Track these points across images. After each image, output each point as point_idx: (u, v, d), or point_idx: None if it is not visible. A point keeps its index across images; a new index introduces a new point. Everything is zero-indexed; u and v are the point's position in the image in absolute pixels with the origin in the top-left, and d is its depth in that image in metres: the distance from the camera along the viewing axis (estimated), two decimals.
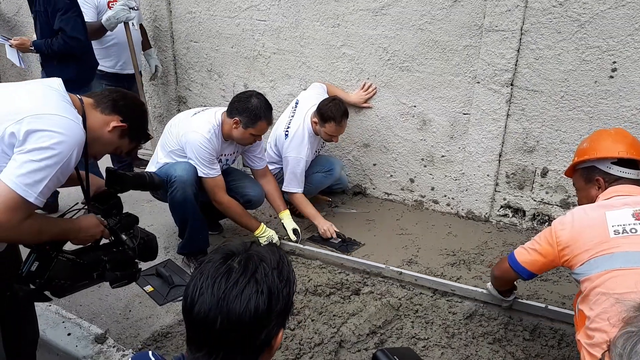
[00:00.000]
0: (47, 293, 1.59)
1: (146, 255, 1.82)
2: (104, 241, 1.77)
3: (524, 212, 3.16)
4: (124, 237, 1.73)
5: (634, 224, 1.58)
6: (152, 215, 3.35)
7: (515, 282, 2.23)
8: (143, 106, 1.82)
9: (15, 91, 1.52)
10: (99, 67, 3.55)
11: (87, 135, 1.59)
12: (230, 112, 2.70)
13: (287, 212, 3.07)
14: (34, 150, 1.37)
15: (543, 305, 2.33)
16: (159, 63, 4.07)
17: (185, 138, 2.66)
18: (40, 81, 1.61)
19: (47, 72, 3.18)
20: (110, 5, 3.47)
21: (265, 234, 2.87)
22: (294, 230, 2.99)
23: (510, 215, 3.21)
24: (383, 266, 2.67)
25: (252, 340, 0.92)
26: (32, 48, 3.20)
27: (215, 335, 0.91)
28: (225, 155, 2.88)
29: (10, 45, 3.41)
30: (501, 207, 3.23)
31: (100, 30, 3.47)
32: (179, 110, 4.38)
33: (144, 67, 4.06)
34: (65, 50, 3.10)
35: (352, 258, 2.79)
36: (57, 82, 1.60)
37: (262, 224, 2.88)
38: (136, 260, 1.78)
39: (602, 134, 1.89)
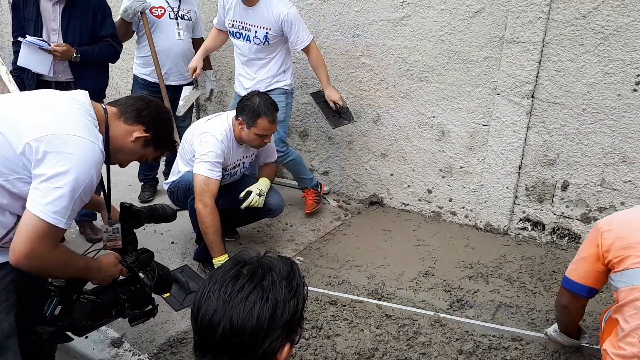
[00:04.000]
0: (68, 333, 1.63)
1: (162, 288, 1.85)
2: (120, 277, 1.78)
3: (544, 225, 3.11)
4: (141, 275, 1.75)
5: None
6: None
7: (581, 324, 2.00)
8: (168, 114, 1.81)
9: (40, 102, 1.52)
10: (142, 77, 3.55)
11: (111, 144, 1.61)
12: (236, 113, 2.72)
13: (266, 180, 2.90)
14: (54, 177, 1.39)
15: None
16: (215, 86, 3.94)
17: (198, 139, 2.67)
18: (68, 95, 1.60)
19: (83, 82, 2.96)
20: (152, 10, 3.38)
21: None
22: (248, 192, 2.76)
23: (530, 228, 3.17)
24: (431, 313, 2.39)
25: (254, 349, 0.91)
26: (77, 56, 2.90)
27: (218, 340, 0.90)
28: (239, 160, 2.86)
29: (50, 51, 2.87)
30: (520, 220, 3.18)
31: (126, 29, 3.38)
32: (198, 117, 4.43)
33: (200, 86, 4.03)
34: (115, 56, 3.11)
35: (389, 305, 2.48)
36: (83, 95, 1.60)
37: (226, 254, 2.54)
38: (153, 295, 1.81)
39: None
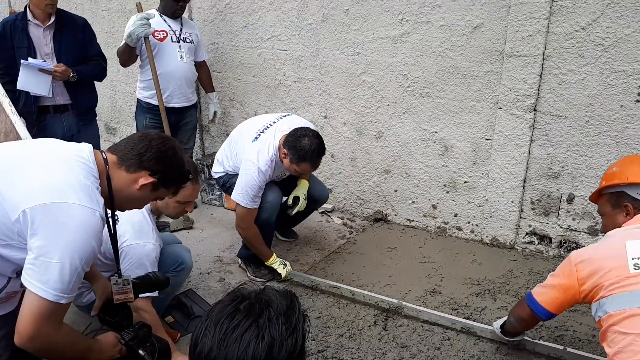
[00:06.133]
0: None
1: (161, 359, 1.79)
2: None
3: (550, 239, 3.07)
4: (141, 352, 1.68)
5: None
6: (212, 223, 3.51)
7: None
8: (173, 150, 1.63)
9: (43, 159, 1.44)
10: (145, 100, 3.57)
11: (116, 197, 1.54)
12: (284, 143, 2.74)
13: (305, 182, 3.05)
14: (52, 251, 1.32)
15: (561, 348, 2.19)
16: (218, 108, 3.96)
17: (243, 165, 2.78)
18: (72, 151, 1.50)
19: (79, 103, 3.19)
20: (155, 34, 3.40)
21: (278, 260, 2.92)
22: (296, 198, 3.01)
23: (536, 242, 3.13)
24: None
25: None
26: (73, 75, 3.04)
27: None
28: (284, 173, 2.96)
29: (51, 72, 2.97)
30: (526, 234, 3.15)
31: (130, 54, 3.41)
32: (201, 139, 4.45)
33: (204, 108, 4.13)
34: (104, 74, 3.27)
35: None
36: (87, 151, 1.51)
37: (274, 254, 2.93)
38: None
39: (632, 159, 1.83)
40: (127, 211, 2.02)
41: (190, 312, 2.56)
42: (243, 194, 2.74)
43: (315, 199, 3.14)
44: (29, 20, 3.01)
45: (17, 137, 2.36)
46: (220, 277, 2.98)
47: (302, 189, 3.03)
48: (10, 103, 2.55)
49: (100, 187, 1.48)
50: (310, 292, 2.77)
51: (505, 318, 2.17)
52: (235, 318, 0.91)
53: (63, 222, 1.33)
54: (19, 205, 1.33)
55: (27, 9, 3.02)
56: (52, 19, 3.03)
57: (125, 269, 2.04)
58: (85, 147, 1.53)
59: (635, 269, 1.53)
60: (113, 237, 1.70)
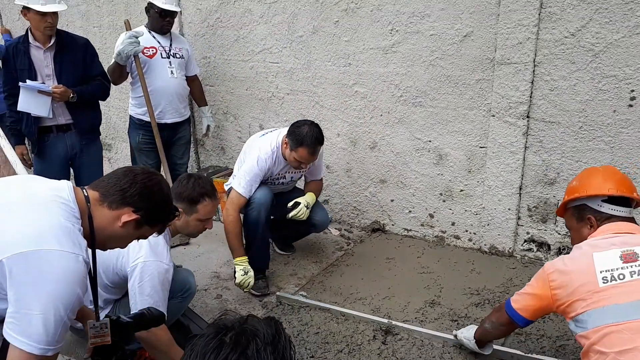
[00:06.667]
0: None
1: None
2: None
3: (549, 246, 3.06)
4: None
5: (622, 269, 1.55)
6: (208, 238, 3.43)
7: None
8: (159, 185, 1.56)
9: (21, 203, 1.38)
10: (137, 117, 3.56)
11: (97, 235, 1.48)
12: (286, 133, 2.89)
13: (312, 195, 3.08)
14: (33, 303, 1.26)
15: (522, 354, 2.21)
16: (211, 122, 3.94)
17: (248, 155, 2.96)
18: (51, 191, 1.43)
19: (81, 122, 3.21)
20: (144, 51, 3.39)
21: (244, 265, 2.79)
22: (296, 203, 2.99)
23: (535, 249, 3.11)
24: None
25: None
26: (73, 96, 3.05)
27: None
28: (286, 173, 3.06)
29: (49, 93, 2.99)
30: (525, 241, 3.13)
31: (120, 72, 3.40)
32: (196, 153, 4.44)
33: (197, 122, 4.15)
34: (107, 93, 3.30)
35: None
36: (66, 190, 1.44)
37: (245, 257, 2.82)
38: None
39: (591, 171, 1.87)
40: None
41: (188, 331, 2.53)
42: (239, 177, 2.91)
43: (314, 224, 3.11)
44: (30, 42, 3.06)
45: (5, 160, 2.36)
46: (217, 294, 2.95)
47: (306, 197, 3.04)
48: None
49: (82, 228, 1.43)
50: (308, 307, 2.75)
51: (471, 327, 2.21)
52: (222, 352, 0.89)
53: (43, 271, 1.27)
54: None
55: (29, 31, 3.07)
56: (53, 41, 3.07)
57: (137, 285, 1.99)
58: (65, 186, 1.47)
59: (604, 282, 1.56)
60: (93, 279, 1.59)
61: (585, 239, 1.75)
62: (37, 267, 1.27)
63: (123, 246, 1.61)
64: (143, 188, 1.50)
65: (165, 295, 2.06)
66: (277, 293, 2.86)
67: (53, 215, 1.37)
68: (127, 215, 1.48)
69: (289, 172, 3.07)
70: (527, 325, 1.90)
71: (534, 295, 1.77)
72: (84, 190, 1.49)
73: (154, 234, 1.63)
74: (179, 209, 1.85)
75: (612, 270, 1.56)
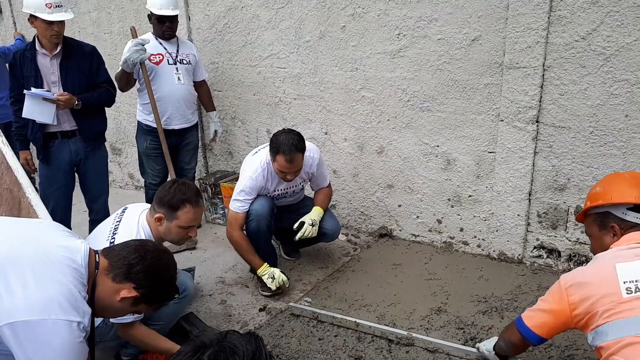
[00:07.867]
0: None
1: None
2: None
3: (559, 252, 3.00)
4: None
5: None
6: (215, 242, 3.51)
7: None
8: (166, 267, 1.59)
9: (27, 262, 1.38)
10: (145, 123, 3.58)
11: (97, 303, 1.49)
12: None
13: (319, 209, 3.03)
14: None
15: None
16: (219, 127, 3.94)
17: (241, 175, 2.97)
18: (61, 249, 1.46)
19: (86, 128, 3.20)
20: (151, 58, 3.41)
21: (267, 271, 2.86)
22: (301, 223, 2.96)
23: (545, 256, 3.05)
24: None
25: None
26: (78, 103, 3.06)
27: None
28: (284, 189, 3.02)
29: (54, 100, 3.00)
30: (534, 247, 3.07)
31: (127, 79, 3.42)
32: (204, 158, 4.45)
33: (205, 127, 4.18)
34: (112, 100, 3.30)
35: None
36: (80, 253, 1.47)
37: (265, 263, 2.89)
38: None
39: (616, 177, 1.80)
40: (124, 226, 2.07)
41: (190, 337, 2.52)
42: (233, 197, 2.91)
43: (324, 232, 3.07)
44: (37, 49, 3.08)
45: (8, 167, 2.38)
46: (222, 300, 2.94)
47: (311, 215, 2.99)
48: (1, 134, 2.61)
49: (87, 295, 1.45)
50: (317, 315, 2.72)
51: (494, 339, 2.11)
52: None
53: (46, 340, 1.29)
54: (1, 318, 1.29)
55: (36, 39, 3.09)
56: (59, 48, 3.08)
57: None
58: (81, 247, 1.48)
59: (628, 293, 1.50)
60: (91, 344, 1.59)
61: (607, 248, 1.68)
62: (37, 337, 1.29)
63: (114, 317, 1.65)
64: (150, 267, 1.53)
65: None
66: (290, 304, 2.81)
67: (63, 281, 1.38)
68: (127, 291, 1.50)
69: (289, 188, 3.04)
70: (540, 344, 1.81)
71: (550, 312, 1.69)
72: (97, 256, 1.51)
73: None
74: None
75: (636, 281, 1.51)
